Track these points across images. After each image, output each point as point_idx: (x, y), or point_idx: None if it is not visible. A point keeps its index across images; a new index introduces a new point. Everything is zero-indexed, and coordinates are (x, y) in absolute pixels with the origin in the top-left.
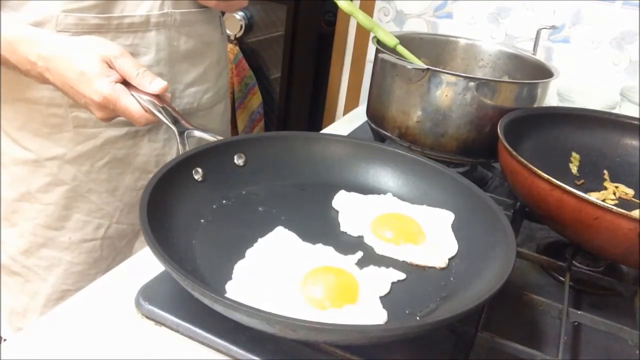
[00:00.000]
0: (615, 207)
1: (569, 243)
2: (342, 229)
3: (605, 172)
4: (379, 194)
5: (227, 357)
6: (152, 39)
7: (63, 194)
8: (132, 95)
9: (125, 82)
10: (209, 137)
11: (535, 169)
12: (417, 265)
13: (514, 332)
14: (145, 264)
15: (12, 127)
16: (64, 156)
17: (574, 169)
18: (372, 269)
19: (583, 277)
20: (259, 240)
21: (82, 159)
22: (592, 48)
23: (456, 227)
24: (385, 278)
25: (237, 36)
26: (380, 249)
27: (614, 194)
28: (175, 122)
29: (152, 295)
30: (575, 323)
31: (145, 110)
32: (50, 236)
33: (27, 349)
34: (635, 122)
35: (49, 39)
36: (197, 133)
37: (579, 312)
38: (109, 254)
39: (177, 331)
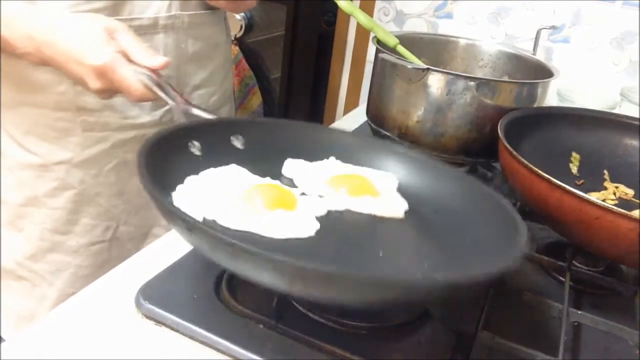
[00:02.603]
0: (615, 207)
1: (569, 243)
2: (302, 190)
3: (605, 172)
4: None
5: (227, 357)
6: (159, 41)
7: (70, 198)
8: (131, 68)
9: (125, 57)
10: (207, 115)
11: (536, 169)
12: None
13: (514, 332)
14: (146, 263)
15: (18, 131)
16: (72, 160)
17: (574, 169)
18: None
19: (583, 277)
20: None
21: (90, 162)
22: (592, 48)
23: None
24: (323, 204)
25: (237, 36)
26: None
27: (614, 194)
28: (173, 98)
29: (152, 294)
30: (575, 323)
31: (143, 85)
32: (57, 240)
33: (27, 349)
34: (635, 122)
35: (47, 10)
36: (195, 110)
37: (579, 312)
38: (117, 256)
39: (177, 331)
